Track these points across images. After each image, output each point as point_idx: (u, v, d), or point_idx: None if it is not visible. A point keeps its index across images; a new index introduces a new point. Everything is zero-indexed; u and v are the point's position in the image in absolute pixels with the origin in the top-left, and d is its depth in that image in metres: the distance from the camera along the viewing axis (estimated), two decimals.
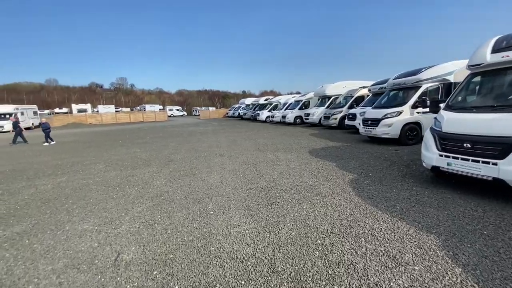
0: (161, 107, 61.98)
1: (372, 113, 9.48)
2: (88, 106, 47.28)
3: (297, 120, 19.97)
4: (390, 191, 4.34)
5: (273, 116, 23.57)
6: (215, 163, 7.22)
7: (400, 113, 8.54)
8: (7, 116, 23.96)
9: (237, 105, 42.98)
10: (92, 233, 3.36)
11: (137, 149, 10.82)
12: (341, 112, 14.72)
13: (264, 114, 26.15)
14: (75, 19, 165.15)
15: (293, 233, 3.10)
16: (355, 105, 14.20)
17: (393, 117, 8.58)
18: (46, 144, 13.46)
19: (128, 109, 65.74)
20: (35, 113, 29.16)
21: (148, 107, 54.86)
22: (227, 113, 44.79)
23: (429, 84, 8.67)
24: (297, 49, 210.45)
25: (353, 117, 12.50)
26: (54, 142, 13.92)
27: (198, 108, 66.89)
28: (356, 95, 14.72)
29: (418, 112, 8.47)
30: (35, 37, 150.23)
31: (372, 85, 13.02)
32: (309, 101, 20.30)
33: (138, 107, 62.52)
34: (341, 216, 3.50)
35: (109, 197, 4.71)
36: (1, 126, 23.04)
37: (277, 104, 26.17)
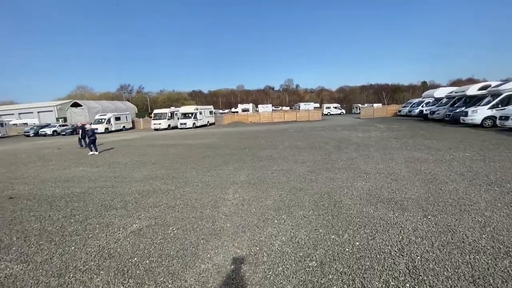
0: (316, 105, 58.63)
1: None
2: (250, 106, 52.27)
3: None
4: None
5: (508, 118, 12.34)
6: None
7: None
8: (189, 115, 29.04)
9: (416, 100, 30.62)
10: None
11: (243, 175, 6.68)
12: None
13: (479, 113, 14.85)
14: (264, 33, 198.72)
15: None
16: None
17: None
18: (91, 153, 11.87)
19: (288, 108, 68.29)
20: (211, 112, 34.33)
21: (302, 105, 53.11)
22: (399, 111, 33.27)
23: None
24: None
25: None
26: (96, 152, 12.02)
27: (359, 105, 57.53)
28: None
29: None
30: (230, 50, 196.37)
31: None
32: None
33: (295, 106, 62.95)
34: None
35: None
36: (184, 123, 28.10)
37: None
